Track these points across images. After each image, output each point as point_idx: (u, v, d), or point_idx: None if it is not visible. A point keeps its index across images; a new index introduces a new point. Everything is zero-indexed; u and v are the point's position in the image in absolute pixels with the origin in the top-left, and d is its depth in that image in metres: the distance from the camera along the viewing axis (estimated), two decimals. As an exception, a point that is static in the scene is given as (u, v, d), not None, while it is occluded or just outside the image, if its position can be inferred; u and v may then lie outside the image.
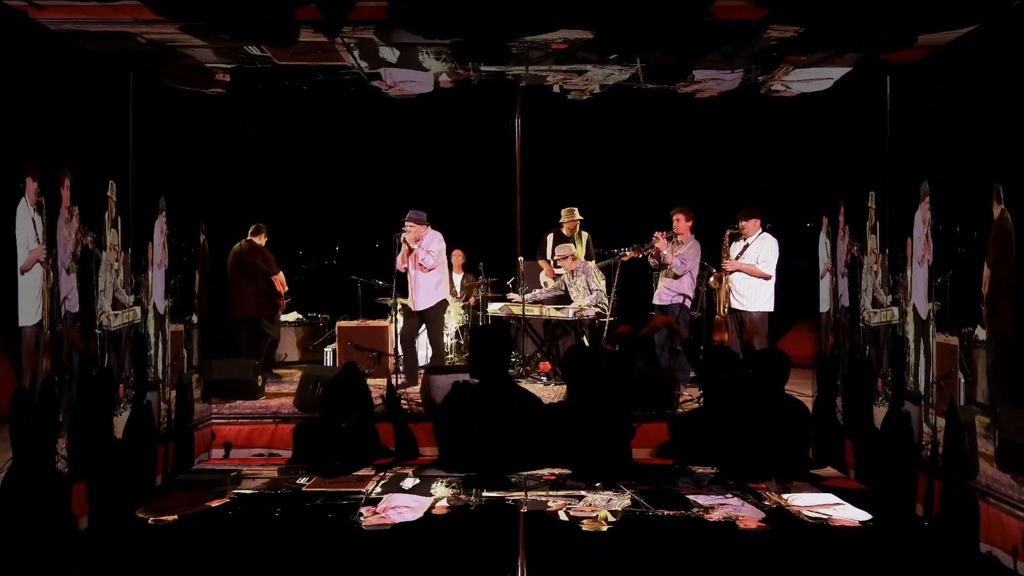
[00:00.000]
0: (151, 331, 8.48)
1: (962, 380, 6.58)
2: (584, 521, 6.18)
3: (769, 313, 10.04)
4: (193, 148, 9.43)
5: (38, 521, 5.98)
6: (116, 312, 7.71)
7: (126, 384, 7.98)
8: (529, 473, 7.36)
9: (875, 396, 8.39)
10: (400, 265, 10.44)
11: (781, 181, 10.97)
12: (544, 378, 10.82)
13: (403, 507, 6.51)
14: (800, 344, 11.07)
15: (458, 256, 11.88)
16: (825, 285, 10.03)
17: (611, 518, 6.23)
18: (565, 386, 9.48)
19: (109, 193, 7.59)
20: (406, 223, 10.32)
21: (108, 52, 7.24)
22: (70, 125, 6.97)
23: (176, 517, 6.59)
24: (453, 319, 11.33)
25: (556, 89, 8.77)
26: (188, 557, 5.74)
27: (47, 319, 6.20)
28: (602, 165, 11.86)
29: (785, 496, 7.00)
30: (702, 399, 8.80)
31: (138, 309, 8.19)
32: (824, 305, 10.09)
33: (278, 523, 6.45)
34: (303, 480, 7.53)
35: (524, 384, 10.12)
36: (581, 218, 11.10)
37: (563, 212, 11.12)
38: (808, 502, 6.92)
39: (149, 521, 6.43)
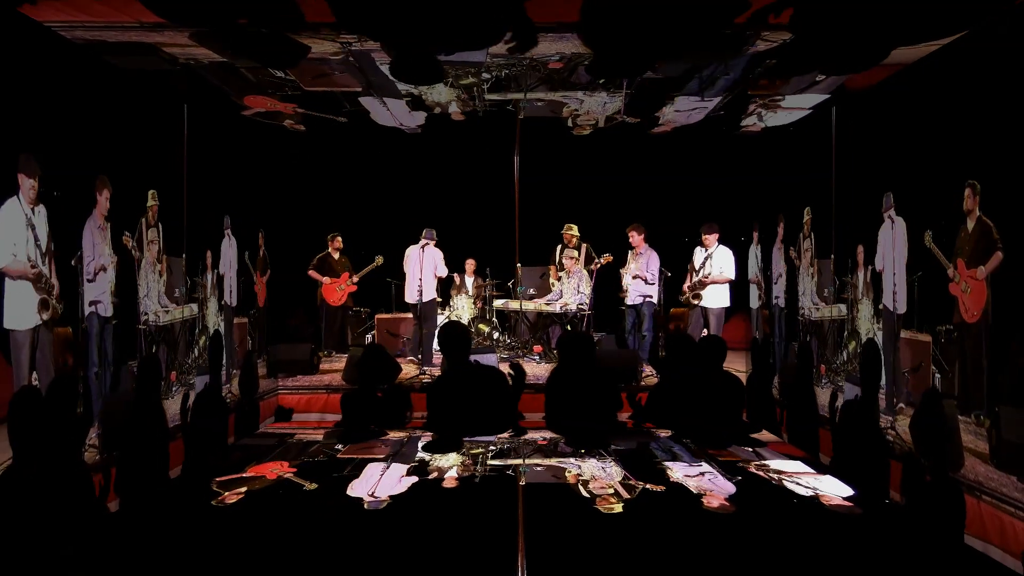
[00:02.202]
0: (211, 324, 6.46)
1: (937, 375, 4.40)
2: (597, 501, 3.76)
3: (725, 308, 8.11)
4: (251, 170, 7.35)
5: (58, 511, 3.73)
6: (167, 308, 5.62)
7: (179, 371, 5.86)
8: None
9: (819, 379, 6.38)
10: None
11: (731, 200, 8.72)
12: (536, 358, 8.87)
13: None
14: (735, 331, 8.90)
15: (471, 263, 9.88)
16: (755, 286, 8.32)
17: (614, 492, 3.85)
18: (552, 363, 8.20)
19: (151, 203, 5.51)
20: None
21: (160, 79, 5.02)
22: (127, 144, 5.06)
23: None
24: (467, 312, 9.27)
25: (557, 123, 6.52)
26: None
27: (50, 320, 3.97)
28: (587, 185, 9.72)
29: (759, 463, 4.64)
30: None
31: (195, 306, 6.17)
32: (754, 302, 8.39)
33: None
34: (339, 446, 5.11)
35: (520, 362, 8.05)
36: (578, 234, 9.02)
37: (565, 227, 9.24)
38: (781, 468, 4.55)
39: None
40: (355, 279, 9.07)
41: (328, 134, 7.20)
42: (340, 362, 8.30)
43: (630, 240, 8.46)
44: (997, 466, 3.76)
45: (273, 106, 6.01)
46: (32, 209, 3.76)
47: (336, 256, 9.03)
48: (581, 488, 3.94)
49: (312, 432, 5.89)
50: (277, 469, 4.30)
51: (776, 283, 7.59)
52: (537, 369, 8.25)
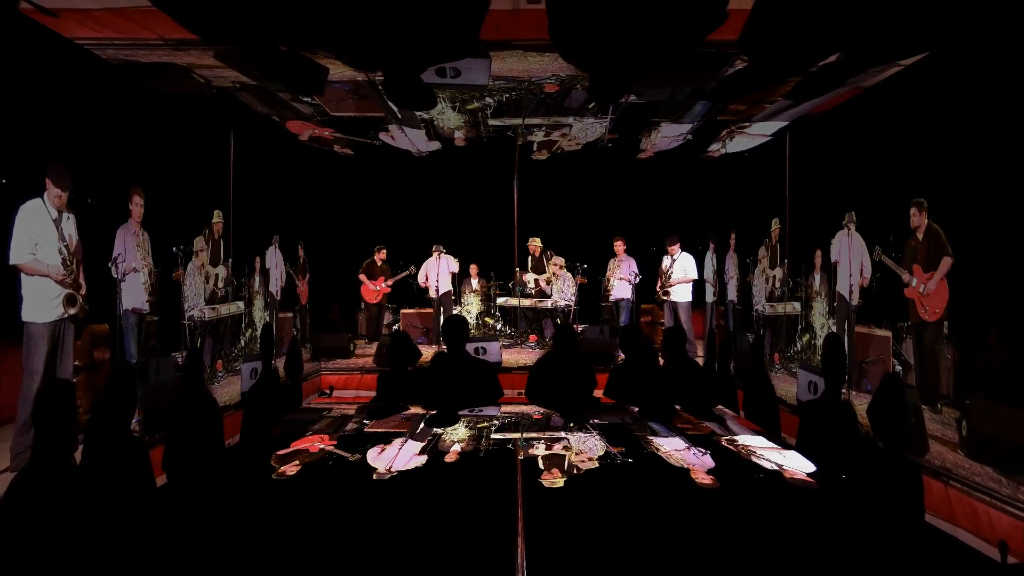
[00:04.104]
0: (257, 319, 5.70)
1: (898, 367, 3.57)
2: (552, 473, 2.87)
3: (690, 302, 7.13)
4: (293, 189, 6.53)
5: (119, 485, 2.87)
6: (214, 307, 4.80)
7: (225, 359, 5.02)
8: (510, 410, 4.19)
9: (772, 366, 5.51)
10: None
11: (692, 215, 7.88)
12: (532, 346, 7.93)
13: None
14: (696, 324, 8.08)
15: (474, 268, 9.06)
16: (709, 286, 7.51)
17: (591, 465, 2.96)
18: (544, 349, 7.46)
19: (215, 220, 4.82)
20: None
21: (201, 104, 4.19)
22: (176, 163, 4.30)
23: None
24: (475, 307, 8.52)
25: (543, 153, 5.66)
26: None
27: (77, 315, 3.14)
28: (572, 198, 8.80)
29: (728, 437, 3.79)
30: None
31: (241, 304, 5.36)
32: (709, 298, 7.56)
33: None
34: (367, 421, 4.26)
35: (517, 350, 7.66)
36: (540, 245, 8.26)
37: (529, 240, 8.28)
38: (748, 442, 3.69)
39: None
40: (389, 283, 8.42)
41: (357, 162, 6.29)
42: (372, 348, 7.75)
43: (615, 248, 7.69)
44: (968, 455, 2.94)
45: (314, 132, 5.13)
46: (60, 215, 2.92)
47: (379, 264, 8.41)
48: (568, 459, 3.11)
49: (346, 407, 5.11)
50: (319, 443, 3.49)
51: (729, 284, 6.88)
52: (532, 355, 7.50)
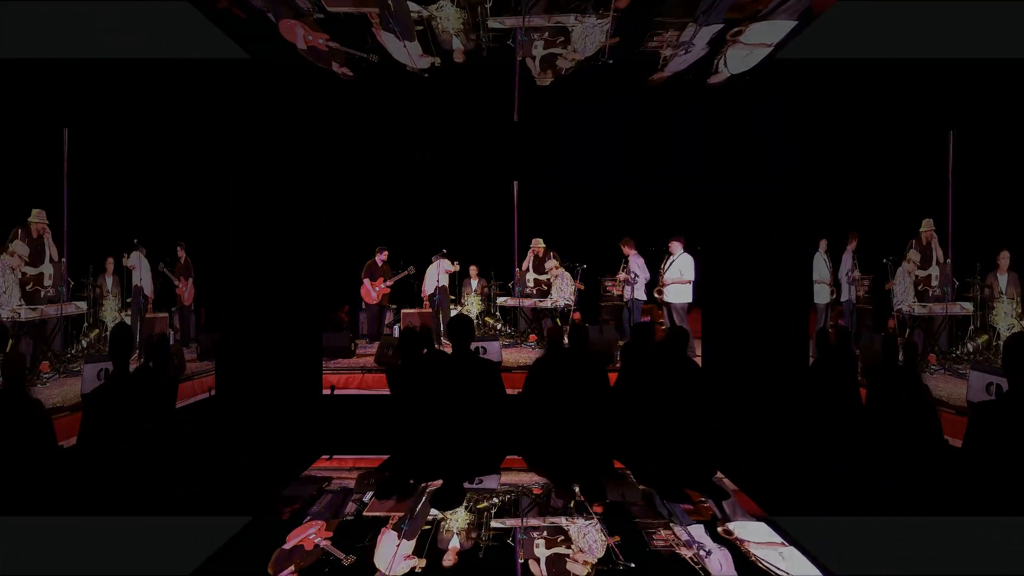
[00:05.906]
0: (108, 319, 5.41)
1: None
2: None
3: (686, 304, 6.84)
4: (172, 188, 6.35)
5: None
6: (35, 307, 4.52)
7: (54, 361, 4.82)
8: (510, 481, 3.64)
9: (926, 367, 5.21)
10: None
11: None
12: (532, 345, 7.91)
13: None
14: (694, 324, 6.93)
15: (474, 268, 8.68)
16: (824, 288, 6.96)
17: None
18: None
19: (33, 220, 4.49)
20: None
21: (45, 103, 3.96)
22: None
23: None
24: (475, 307, 8.48)
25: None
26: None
27: None
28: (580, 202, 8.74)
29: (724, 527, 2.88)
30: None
31: (83, 304, 5.15)
32: (821, 299, 6.90)
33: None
34: (367, 500, 3.44)
35: (517, 349, 7.64)
36: (543, 245, 8.18)
37: (532, 241, 8.23)
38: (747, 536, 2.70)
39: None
40: (389, 283, 8.57)
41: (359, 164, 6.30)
42: (373, 348, 7.60)
43: (624, 251, 7.70)
44: None
45: (307, 37, 4.26)
46: None
47: (380, 264, 8.64)
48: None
49: (346, 477, 4.11)
50: (314, 534, 2.98)
51: (852, 284, 6.69)
52: (532, 354, 7.35)
